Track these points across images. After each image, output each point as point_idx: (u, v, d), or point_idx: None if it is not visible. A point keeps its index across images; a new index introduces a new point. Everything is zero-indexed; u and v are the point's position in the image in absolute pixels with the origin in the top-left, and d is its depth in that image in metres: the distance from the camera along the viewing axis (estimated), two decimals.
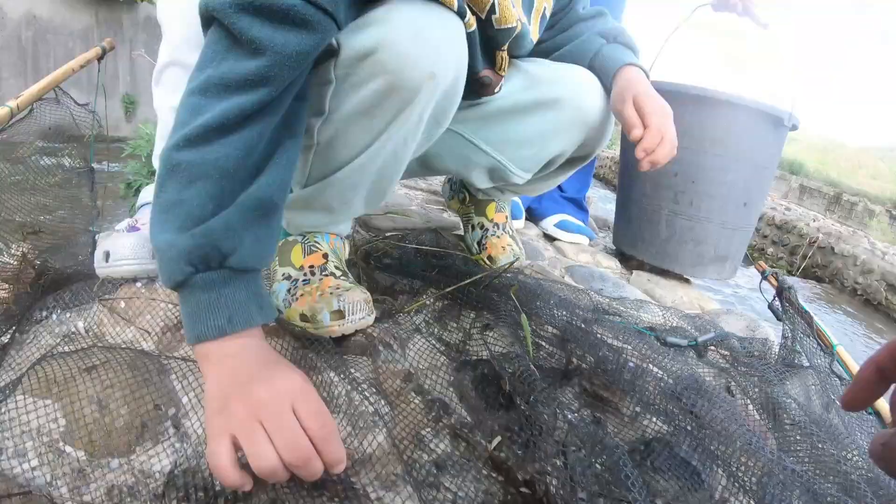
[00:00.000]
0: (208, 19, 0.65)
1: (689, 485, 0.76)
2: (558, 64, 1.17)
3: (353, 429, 0.74)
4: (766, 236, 7.94)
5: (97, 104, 1.53)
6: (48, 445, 0.66)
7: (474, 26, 0.88)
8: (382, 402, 0.80)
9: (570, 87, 1.14)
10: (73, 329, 0.86)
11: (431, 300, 1.09)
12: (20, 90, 1.33)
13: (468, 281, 1.11)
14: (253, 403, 0.58)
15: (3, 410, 0.68)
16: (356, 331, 0.91)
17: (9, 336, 0.85)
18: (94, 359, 0.77)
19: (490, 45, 0.98)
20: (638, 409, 0.92)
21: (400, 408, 0.81)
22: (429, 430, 0.78)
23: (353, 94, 0.79)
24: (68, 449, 0.66)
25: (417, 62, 0.74)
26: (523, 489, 0.71)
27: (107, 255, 0.99)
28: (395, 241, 1.34)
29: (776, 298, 1.51)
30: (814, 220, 7.87)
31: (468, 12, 0.84)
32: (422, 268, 1.22)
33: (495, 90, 1.09)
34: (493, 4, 0.89)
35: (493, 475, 0.72)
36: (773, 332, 1.54)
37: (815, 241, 7.21)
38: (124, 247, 0.99)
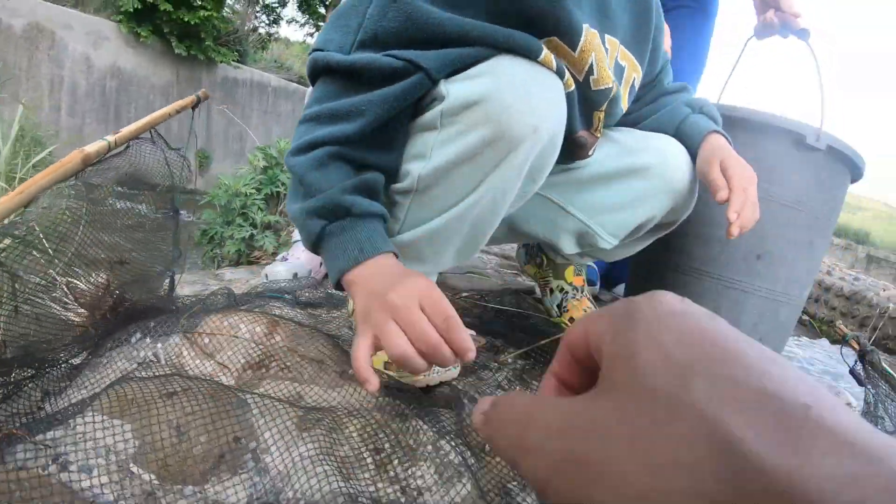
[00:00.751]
0: (317, 72, 0.83)
1: None
2: (647, 133, 1.18)
3: (440, 477, 0.70)
4: (834, 308, 7.62)
5: (187, 149, 1.59)
6: (118, 465, 0.64)
7: (573, 87, 0.90)
8: (468, 452, 0.77)
9: (659, 154, 1.13)
10: (151, 356, 0.86)
11: (512, 357, 1.07)
12: (100, 135, 1.38)
13: (548, 340, 1.10)
14: (387, 306, 0.66)
15: (73, 426, 0.67)
16: (440, 382, 0.90)
17: (83, 357, 0.86)
18: (174, 385, 0.76)
19: (587, 107, 0.99)
20: None
21: (485, 460, 0.77)
22: (515, 483, 0.74)
23: (458, 141, 0.79)
24: (139, 470, 0.64)
25: (522, 115, 0.77)
26: None
27: (265, 276, 1.38)
28: (474, 300, 1.35)
29: (857, 363, 1.44)
30: (884, 290, 7.53)
31: (566, 73, 0.86)
32: (503, 328, 1.21)
33: (589, 153, 1.09)
34: (591, 66, 0.92)
35: None
36: (853, 399, 1.45)
37: (885, 311, 6.90)
38: (279, 272, 1.38)
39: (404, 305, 0.65)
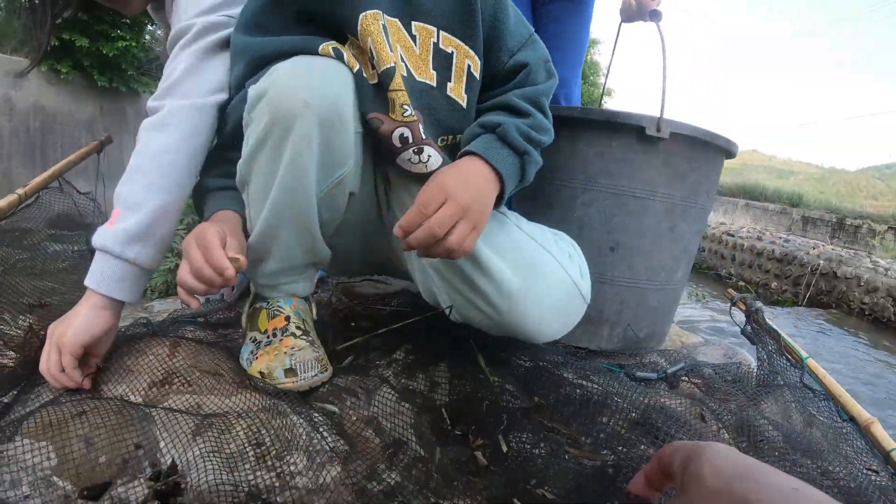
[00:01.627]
0: None
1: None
2: (545, 237, 1.11)
3: (310, 462, 0.81)
4: (767, 271, 7.96)
5: (97, 192, 1.66)
6: (41, 479, 0.75)
7: (357, 66, 0.96)
8: (341, 441, 0.88)
9: (522, 285, 1.02)
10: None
11: (350, 345, 1.20)
12: (29, 177, 1.47)
13: (419, 318, 1.21)
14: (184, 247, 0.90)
15: (3, 451, 0.78)
16: (319, 384, 1.02)
17: (12, 396, 0.95)
18: (84, 406, 0.88)
19: (380, 89, 0.99)
20: (601, 437, 0.96)
21: (359, 447, 0.88)
22: (384, 465, 0.85)
23: (253, 132, 0.93)
24: (58, 480, 0.75)
25: (293, 93, 0.89)
26: None
27: (181, 303, 1.35)
28: (374, 305, 1.45)
29: (747, 323, 1.55)
30: (813, 248, 7.90)
31: (345, 54, 0.96)
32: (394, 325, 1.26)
33: (411, 150, 1.02)
34: (370, 48, 0.95)
35: (440, 502, 0.78)
36: (751, 358, 1.55)
37: (816, 269, 7.24)
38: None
39: (187, 244, 0.89)
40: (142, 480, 0.76)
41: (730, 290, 1.68)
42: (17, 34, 5.78)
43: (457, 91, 1.05)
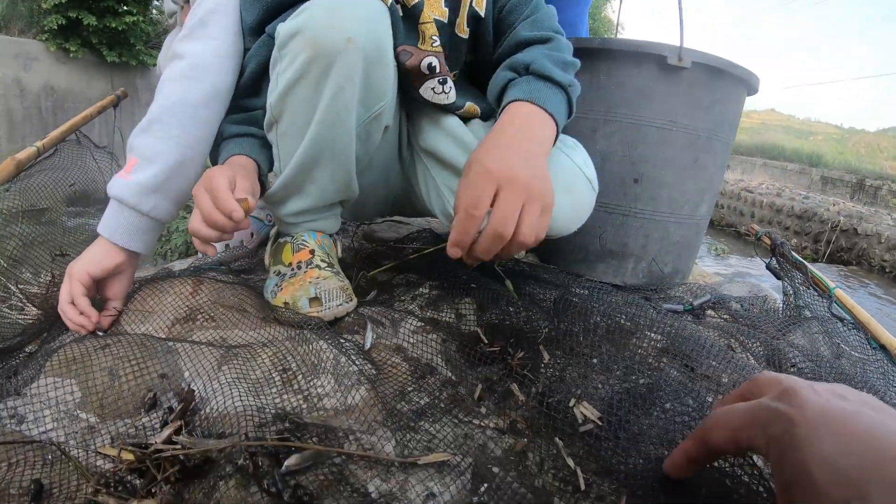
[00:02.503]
0: None
1: (676, 426, 0.76)
2: (563, 162, 1.06)
3: (338, 385, 0.80)
4: (787, 227, 7.87)
5: (114, 146, 1.66)
6: (65, 413, 0.74)
7: (390, 1, 0.95)
8: (369, 365, 0.86)
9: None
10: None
11: (392, 263, 1.23)
12: None
13: (436, 248, 1.20)
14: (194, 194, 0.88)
15: (26, 392, 0.77)
16: (336, 317, 1.00)
17: (36, 345, 0.95)
18: (108, 340, 0.86)
19: (409, 21, 1.03)
20: (627, 365, 0.94)
21: (387, 371, 0.87)
22: (412, 387, 0.83)
23: (290, 67, 0.91)
24: (82, 413, 0.74)
25: (334, 30, 0.86)
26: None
27: (199, 254, 1.43)
28: (396, 246, 1.44)
29: (772, 258, 1.54)
30: (833, 205, 7.79)
31: None
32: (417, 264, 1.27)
33: (437, 82, 1.05)
34: None
35: (472, 421, 0.77)
36: (775, 293, 1.52)
37: (836, 225, 7.15)
38: None
39: (196, 191, 0.86)
40: (165, 408, 0.75)
41: (753, 226, 1.67)
42: (23, 17, 5.78)
43: (461, 27, 1.08)
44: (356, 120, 0.96)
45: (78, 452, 0.67)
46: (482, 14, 1.06)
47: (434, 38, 1.02)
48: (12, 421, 0.72)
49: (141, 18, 5.88)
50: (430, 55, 1.02)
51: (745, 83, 1.43)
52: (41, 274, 1.20)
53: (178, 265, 1.52)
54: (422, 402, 0.79)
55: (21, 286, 1.14)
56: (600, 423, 0.76)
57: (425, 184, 1.20)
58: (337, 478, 0.63)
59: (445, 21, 1.05)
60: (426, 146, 1.15)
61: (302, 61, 0.88)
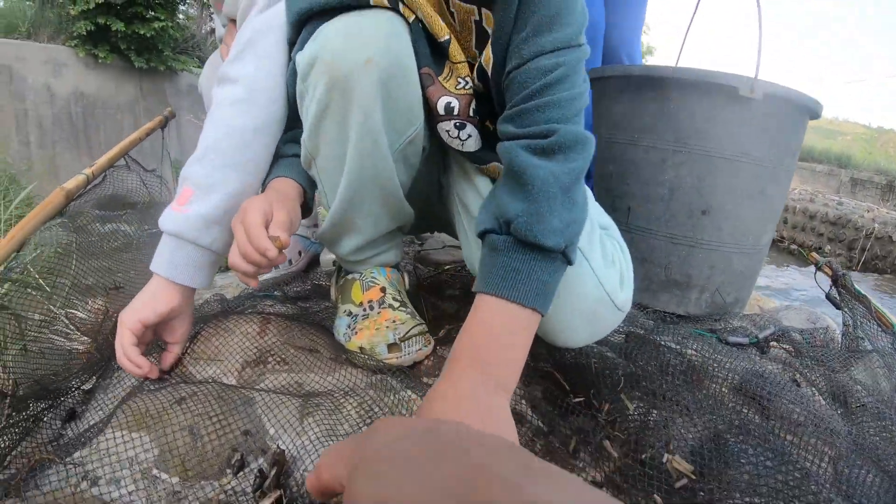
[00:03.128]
0: None
1: (763, 472, 0.76)
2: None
3: None
4: (821, 234, 7.74)
5: (162, 169, 1.64)
6: (142, 472, 0.70)
7: (413, 16, 0.86)
8: None
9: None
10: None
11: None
12: (75, 163, 1.44)
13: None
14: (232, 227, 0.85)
15: (96, 445, 0.73)
16: (414, 362, 0.97)
17: (93, 382, 0.92)
18: (181, 392, 0.83)
19: (435, 47, 0.91)
20: (706, 404, 0.93)
21: None
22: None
23: (313, 99, 0.85)
24: (162, 475, 0.71)
25: (351, 52, 0.81)
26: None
27: None
28: (455, 272, 1.40)
29: (832, 288, 1.51)
30: (868, 212, 7.65)
31: (400, 5, 0.86)
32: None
33: (451, 120, 0.93)
34: (417, 16, 0.87)
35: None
36: (834, 323, 1.51)
37: (871, 233, 7.00)
38: None
39: (233, 224, 0.84)
40: (253, 468, 0.72)
41: (813, 255, 1.64)
42: (52, 23, 5.82)
43: (473, 80, 0.93)
44: (390, 146, 0.90)
45: None
46: (488, 72, 0.88)
47: (463, 80, 0.90)
48: (84, 483, 0.68)
49: (169, 24, 5.88)
50: (449, 95, 0.90)
51: (809, 110, 1.40)
52: (89, 301, 1.18)
53: (219, 280, 1.50)
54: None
55: (68, 310, 1.13)
56: (693, 477, 0.76)
57: (460, 224, 1.08)
58: None
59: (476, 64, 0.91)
60: (457, 194, 1.06)
61: (322, 91, 0.83)
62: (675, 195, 1.35)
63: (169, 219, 0.89)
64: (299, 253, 1.51)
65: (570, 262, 0.77)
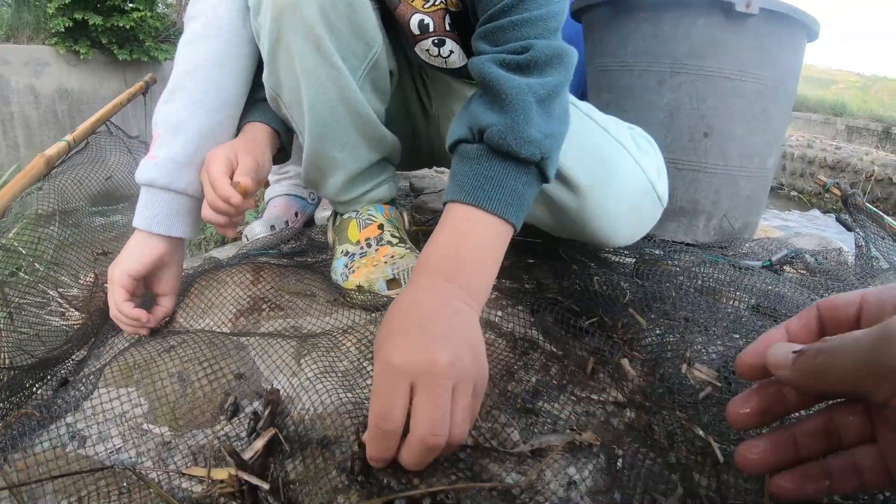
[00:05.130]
0: None
1: None
2: (620, 127, 0.96)
3: None
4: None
5: (146, 135, 1.59)
6: (132, 427, 0.66)
7: None
8: None
9: (597, 179, 0.90)
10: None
11: None
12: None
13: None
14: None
15: (84, 407, 0.69)
16: None
17: (86, 351, 0.88)
18: (171, 341, 0.78)
19: None
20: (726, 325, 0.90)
21: (486, 349, 0.79)
22: (518, 364, 0.76)
23: (264, 36, 0.84)
24: (152, 427, 0.66)
25: None
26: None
27: (245, 238, 1.40)
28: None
29: (844, 208, 1.48)
30: (866, 155, 7.60)
31: None
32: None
33: (428, 38, 0.90)
34: None
35: (590, 396, 0.71)
36: (845, 247, 1.49)
37: (871, 175, 6.95)
38: (256, 230, 1.40)
39: (202, 177, 0.85)
40: (247, 412, 0.68)
41: (820, 178, 1.62)
42: (30, 24, 5.74)
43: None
44: (352, 72, 0.87)
45: (157, 476, 0.59)
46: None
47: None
48: (73, 442, 0.64)
49: (148, 14, 5.79)
50: (420, 13, 0.86)
51: (808, 29, 1.37)
52: (80, 276, 1.13)
53: (217, 253, 1.46)
54: (532, 381, 0.73)
55: (60, 290, 1.08)
56: (718, 384, 0.73)
57: None
58: (468, 476, 0.56)
59: None
60: (447, 116, 1.04)
61: (270, 23, 0.81)
62: (675, 118, 1.32)
63: (142, 169, 0.85)
64: (295, 214, 1.48)
65: (546, 179, 0.73)
